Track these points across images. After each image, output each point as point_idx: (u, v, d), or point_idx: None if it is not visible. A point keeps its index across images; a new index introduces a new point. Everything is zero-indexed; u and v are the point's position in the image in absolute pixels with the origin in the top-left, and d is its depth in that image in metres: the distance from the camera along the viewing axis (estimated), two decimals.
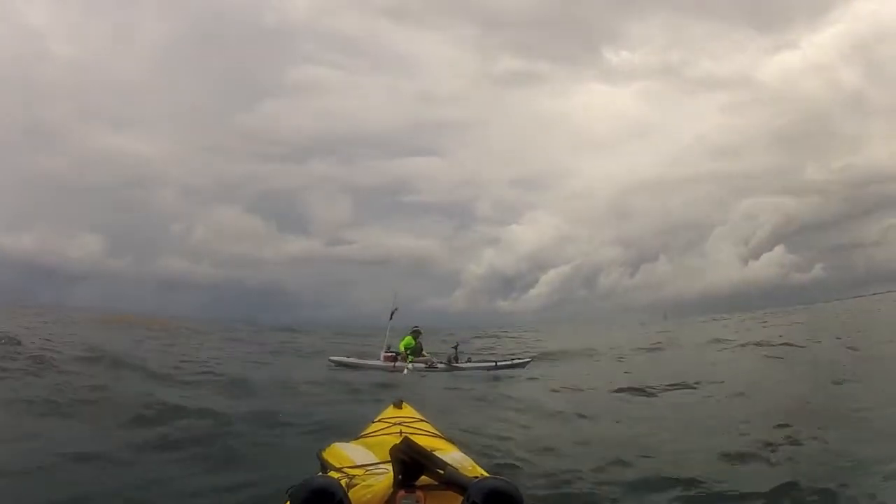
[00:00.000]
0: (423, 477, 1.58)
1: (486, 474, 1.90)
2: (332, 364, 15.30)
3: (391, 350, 15.96)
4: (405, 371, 14.03)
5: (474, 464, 2.07)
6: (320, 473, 1.89)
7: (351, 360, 15.95)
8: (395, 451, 1.52)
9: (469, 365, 15.55)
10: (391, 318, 16.68)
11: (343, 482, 1.66)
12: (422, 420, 2.86)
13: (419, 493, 1.55)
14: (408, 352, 15.58)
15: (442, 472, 1.57)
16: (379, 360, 15.79)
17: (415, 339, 16.01)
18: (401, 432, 2.06)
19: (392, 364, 15.22)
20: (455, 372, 15.12)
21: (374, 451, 2.06)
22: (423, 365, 14.97)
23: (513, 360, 16.67)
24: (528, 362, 16.40)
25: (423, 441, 2.08)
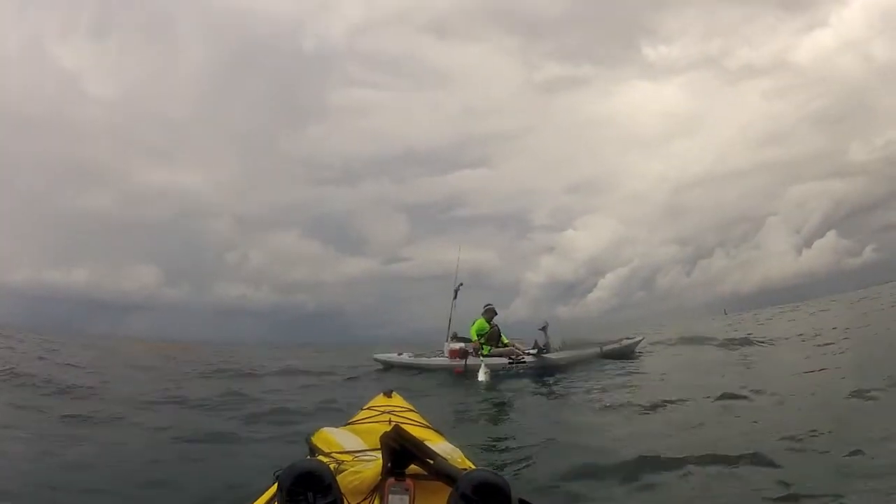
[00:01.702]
0: (411, 466, 1.54)
1: (474, 466, 1.88)
2: (378, 363, 12.49)
3: (458, 338, 12.38)
4: (480, 374, 10.72)
5: (463, 456, 2.08)
6: (309, 458, 1.85)
7: (402, 357, 12.48)
8: (385, 438, 1.52)
9: (567, 354, 12.03)
10: (455, 297, 13.09)
11: (332, 467, 1.64)
12: (411, 410, 2.91)
13: (409, 482, 1.55)
14: (481, 340, 11.98)
15: (432, 461, 1.56)
16: (442, 354, 12.23)
17: (489, 320, 12.29)
18: (390, 420, 2.04)
19: (461, 361, 11.69)
20: (548, 364, 11.69)
21: (363, 438, 2.08)
22: (504, 360, 11.55)
23: (621, 341, 13.18)
24: (640, 340, 13.49)
25: (413, 431, 2.09)
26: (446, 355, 11.91)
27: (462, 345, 11.88)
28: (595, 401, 7.94)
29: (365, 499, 1.83)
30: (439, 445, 2.28)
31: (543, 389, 9.59)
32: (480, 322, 12.14)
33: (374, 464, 1.90)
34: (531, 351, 11.88)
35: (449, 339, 12.34)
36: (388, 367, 12.44)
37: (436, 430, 2.89)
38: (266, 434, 5.80)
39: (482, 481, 1.71)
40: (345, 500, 1.73)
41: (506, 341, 11.90)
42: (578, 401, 8.37)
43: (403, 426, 2.18)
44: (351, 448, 2.20)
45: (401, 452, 1.77)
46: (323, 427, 2.55)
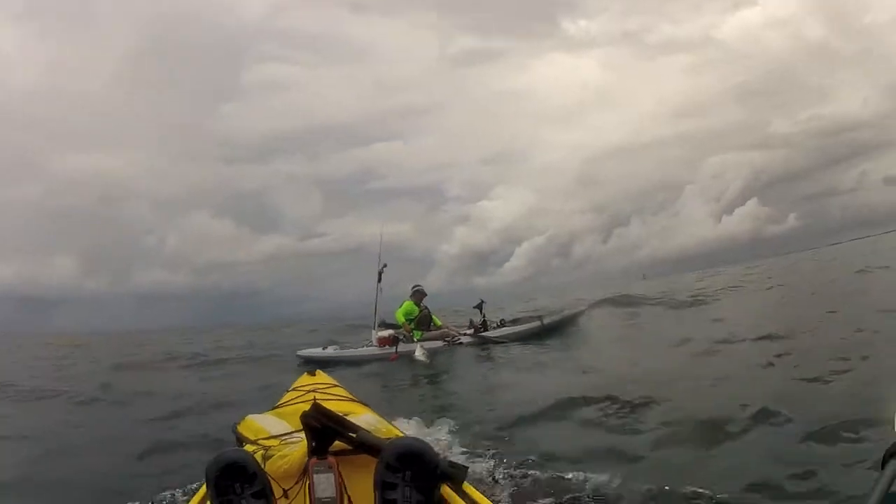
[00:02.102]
0: (336, 442, 1.63)
1: (400, 434, 2.00)
2: (301, 360, 11.16)
3: (387, 325, 11.63)
4: (417, 353, 10.35)
5: (389, 425, 2.20)
6: (235, 447, 1.92)
7: (328, 351, 11.58)
8: (305, 417, 1.62)
9: (507, 330, 11.51)
10: (379, 281, 12.26)
11: (259, 454, 1.74)
12: (336, 385, 3.00)
13: (331, 459, 1.64)
14: (411, 324, 11.37)
15: (354, 435, 1.65)
16: (371, 344, 11.45)
17: (418, 303, 11.61)
18: (314, 399, 2.11)
19: (391, 348, 11.02)
20: (487, 342, 11.24)
21: (289, 421, 2.16)
22: (438, 343, 11.11)
23: (563, 313, 12.66)
24: (581, 312, 13.00)
25: (337, 406, 2.18)
26: (375, 344, 11.24)
27: (391, 331, 11.28)
28: (529, 361, 8.72)
29: (297, 482, 1.91)
30: (363, 417, 2.39)
31: (483, 354, 10.28)
32: (408, 305, 11.50)
33: (299, 445, 1.97)
34: (467, 332, 11.45)
35: (376, 326, 11.63)
36: (313, 363, 11.03)
37: (361, 403, 3.00)
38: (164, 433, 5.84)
39: (406, 449, 1.83)
40: (274, 486, 1.81)
41: (438, 323, 11.46)
42: (514, 361, 9.09)
43: (327, 402, 2.26)
44: (277, 432, 2.28)
45: (322, 430, 1.85)
46: (248, 414, 2.59)
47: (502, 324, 11.69)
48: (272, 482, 1.81)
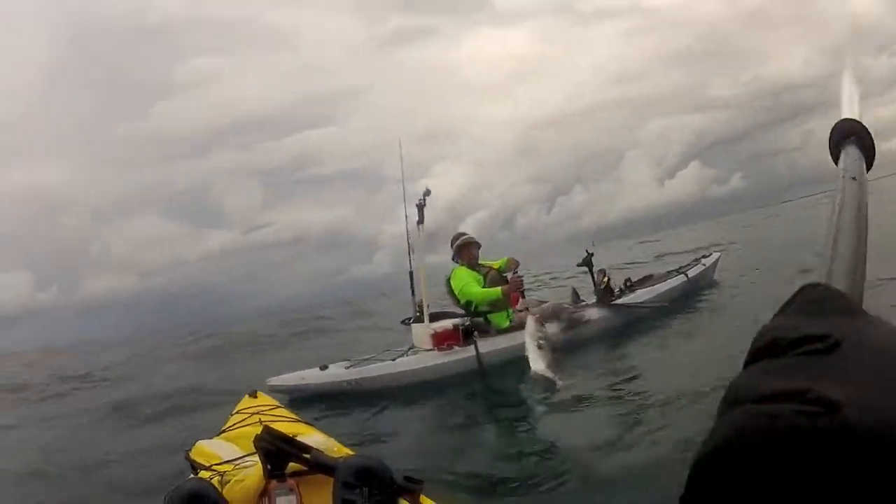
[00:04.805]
0: (291, 464, 1.70)
1: (351, 453, 2.09)
2: (287, 398, 6.93)
3: (441, 314, 7.50)
4: (535, 362, 5.47)
5: (338, 444, 2.29)
6: (192, 475, 1.96)
7: (331, 373, 7.23)
8: (258, 441, 1.72)
9: (643, 293, 8.18)
10: (421, 221, 7.59)
11: (215, 480, 1.80)
12: (279, 406, 3.09)
13: (291, 482, 1.72)
14: (480, 303, 7.26)
15: (308, 456, 1.72)
16: (414, 350, 7.22)
17: (473, 264, 7.57)
18: (260, 421, 2.16)
19: (464, 347, 6.81)
20: (630, 314, 7.75)
21: (239, 445, 2.27)
22: (547, 328, 6.10)
23: (700, 260, 9.70)
24: (718, 258, 10.27)
25: (284, 427, 2.28)
26: (429, 346, 6.94)
27: (455, 321, 7.01)
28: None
29: None
30: (313, 437, 2.50)
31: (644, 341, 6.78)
32: (463, 271, 7.29)
33: (255, 469, 2.05)
34: (586, 303, 7.94)
35: (423, 313, 7.23)
36: (304, 396, 7.33)
37: (307, 423, 3.06)
38: None
39: (361, 466, 1.94)
40: None
41: (539, 299, 7.92)
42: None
43: (274, 424, 2.31)
44: (230, 457, 2.36)
45: (276, 452, 1.90)
46: (199, 440, 2.60)
47: (628, 286, 8.33)
48: None
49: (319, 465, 1.95)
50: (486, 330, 6.89)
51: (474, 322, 6.82)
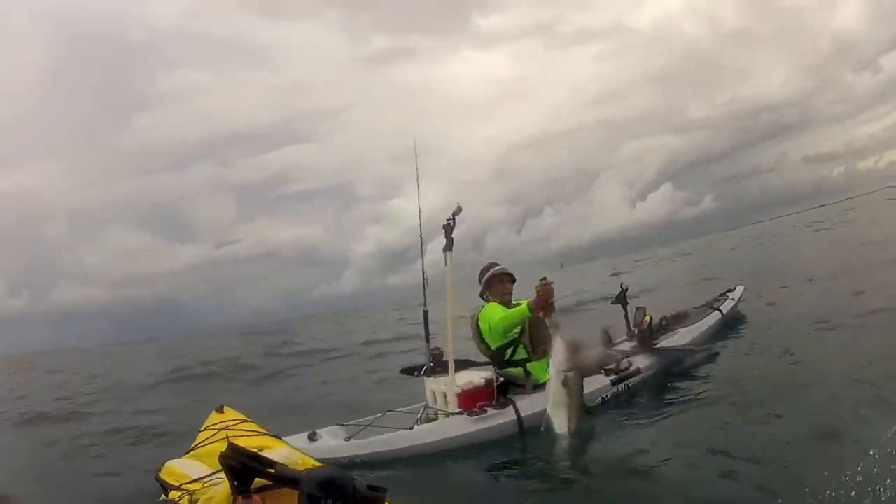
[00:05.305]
0: (257, 479, 1.81)
1: (317, 465, 2.20)
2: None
3: (468, 363, 6.33)
4: (557, 422, 4.74)
5: (304, 455, 2.44)
6: (163, 496, 2.07)
7: (326, 443, 5.62)
8: (222, 458, 1.84)
9: (689, 331, 7.52)
10: (449, 249, 5.98)
11: (185, 500, 1.89)
12: (246, 420, 3.16)
13: (256, 498, 1.81)
14: (514, 348, 5.88)
15: (272, 470, 1.82)
16: (434, 414, 5.83)
17: (507, 301, 6.26)
18: (227, 437, 2.25)
19: (500, 410, 5.38)
20: (677, 359, 6.93)
21: (207, 462, 2.39)
22: (601, 378, 5.92)
23: (728, 295, 9.32)
24: (743, 290, 10.10)
25: (250, 442, 2.38)
26: (454, 408, 5.70)
27: (485, 374, 5.89)
28: None
29: None
30: (279, 451, 2.59)
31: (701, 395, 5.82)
32: (494, 308, 6.14)
33: (222, 486, 2.14)
34: (629, 347, 7.00)
35: (444, 365, 6.07)
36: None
37: (273, 436, 3.13)
38: None
39: (325, 478, 2.03)
40: None
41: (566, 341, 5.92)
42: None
43: (241, 439, 2.42)
44: (198, 476, 2.45)
45: (242, 469, 1.98)
46: (168, 460, 2.66)
47: (663, 325, 7.59)
48: None
49: (284, 478, 1.94)
50: (522, 385, 5.56)
51: (505, 374, 5.64)
